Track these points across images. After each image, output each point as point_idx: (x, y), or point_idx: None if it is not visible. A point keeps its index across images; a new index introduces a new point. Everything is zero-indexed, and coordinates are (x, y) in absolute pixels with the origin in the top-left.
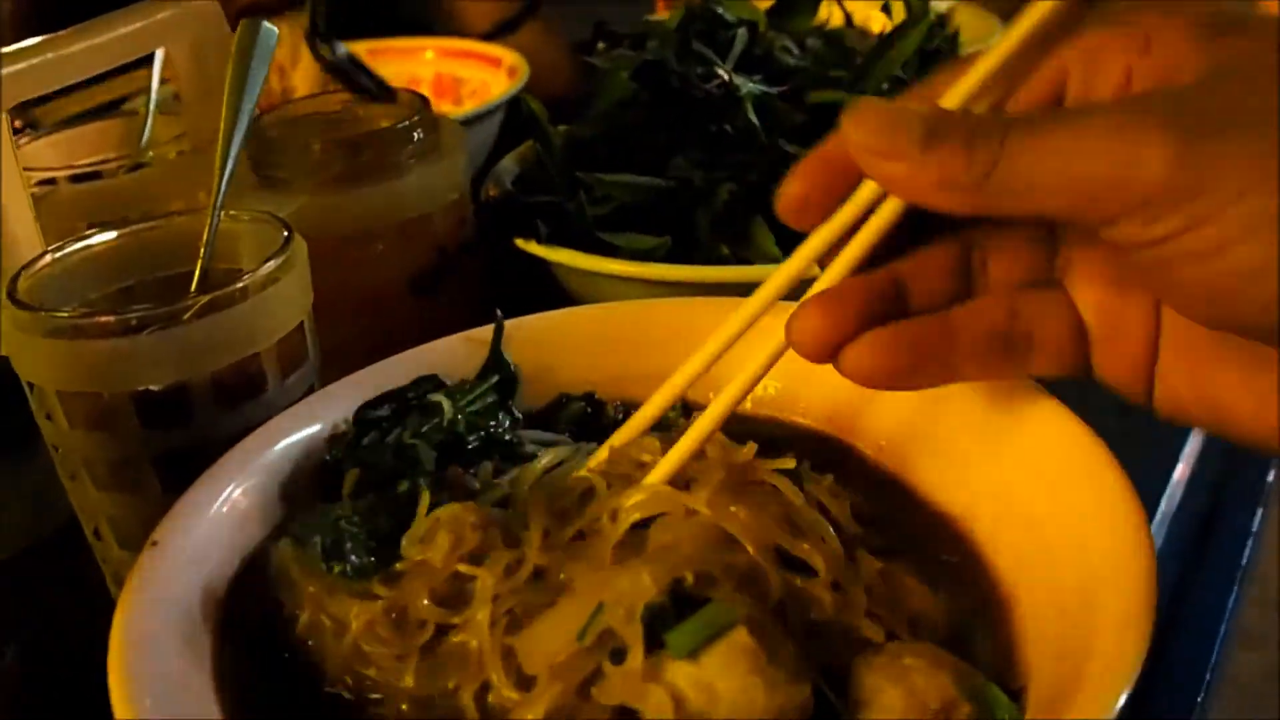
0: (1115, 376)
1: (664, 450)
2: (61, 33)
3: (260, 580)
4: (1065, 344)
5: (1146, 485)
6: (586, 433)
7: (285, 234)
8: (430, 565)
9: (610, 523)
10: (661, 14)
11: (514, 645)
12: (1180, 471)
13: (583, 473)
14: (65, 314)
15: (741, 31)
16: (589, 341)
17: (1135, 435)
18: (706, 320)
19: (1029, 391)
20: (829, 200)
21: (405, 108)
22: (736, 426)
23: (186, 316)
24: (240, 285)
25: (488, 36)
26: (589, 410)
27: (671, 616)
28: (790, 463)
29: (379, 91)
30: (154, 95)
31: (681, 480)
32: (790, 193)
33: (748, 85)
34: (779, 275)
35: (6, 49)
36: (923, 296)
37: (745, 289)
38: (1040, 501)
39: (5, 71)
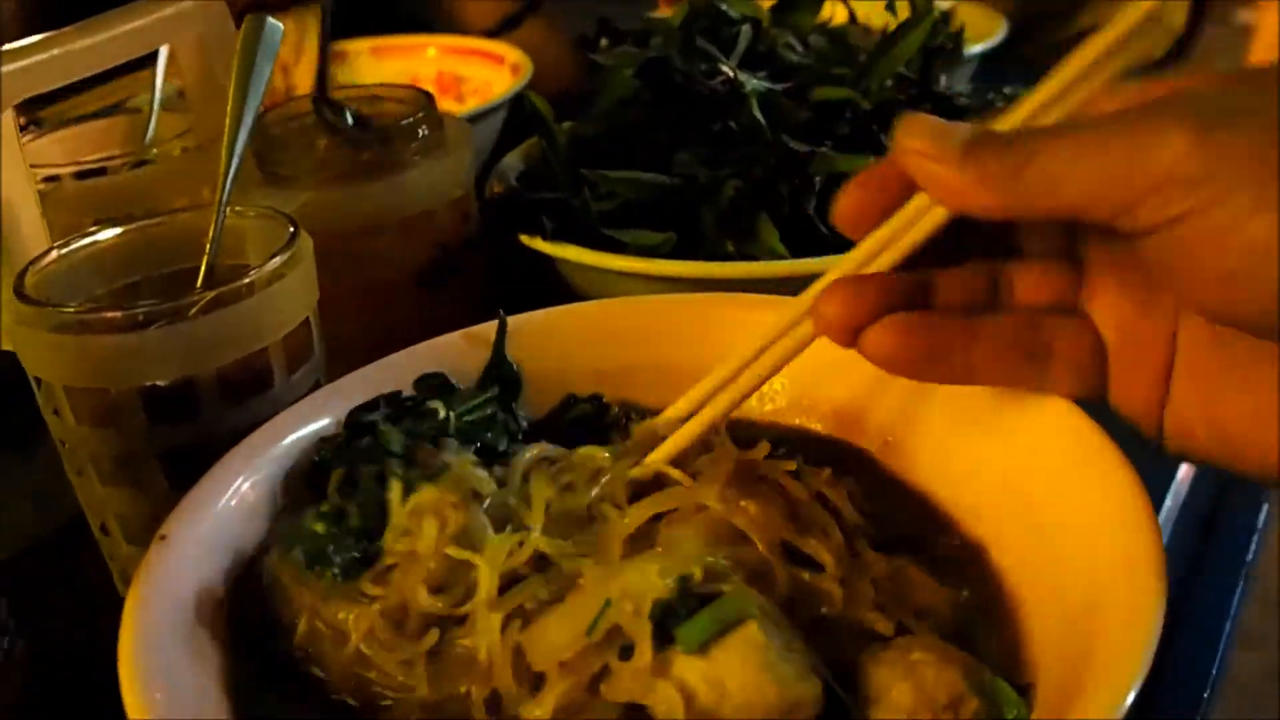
0: (1130, 399)
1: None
2: (66, 29)
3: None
4: (1084, 361)
5: (1150, 482)
6: (591, 434)
7: (291, 230)
8: (419, 555)
9: (617, 512)
10: (664, 11)
11: (522, 641)
12: (1184, 469)
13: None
14: (72, 309)
15: (745, 28)
16: (594, 337)
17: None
18: (711, 316)
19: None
20: (878, 213)
21: (410, 104)
22: (741, 432)
23: (193, 312)
24: (246, 281)
25: (490, 34)
26: (594, 411)
27: (680, 612)
28: (792, 465)
29: (380, 149)
30: (158, 92)
31: (690, 472)
32: (844, 204)
33: (752, 82)
34: (824, 280)
35: (10, 46)
36: (949, 300)
37: (750, 285)
38: (1047, 498)
39: (10, 68)
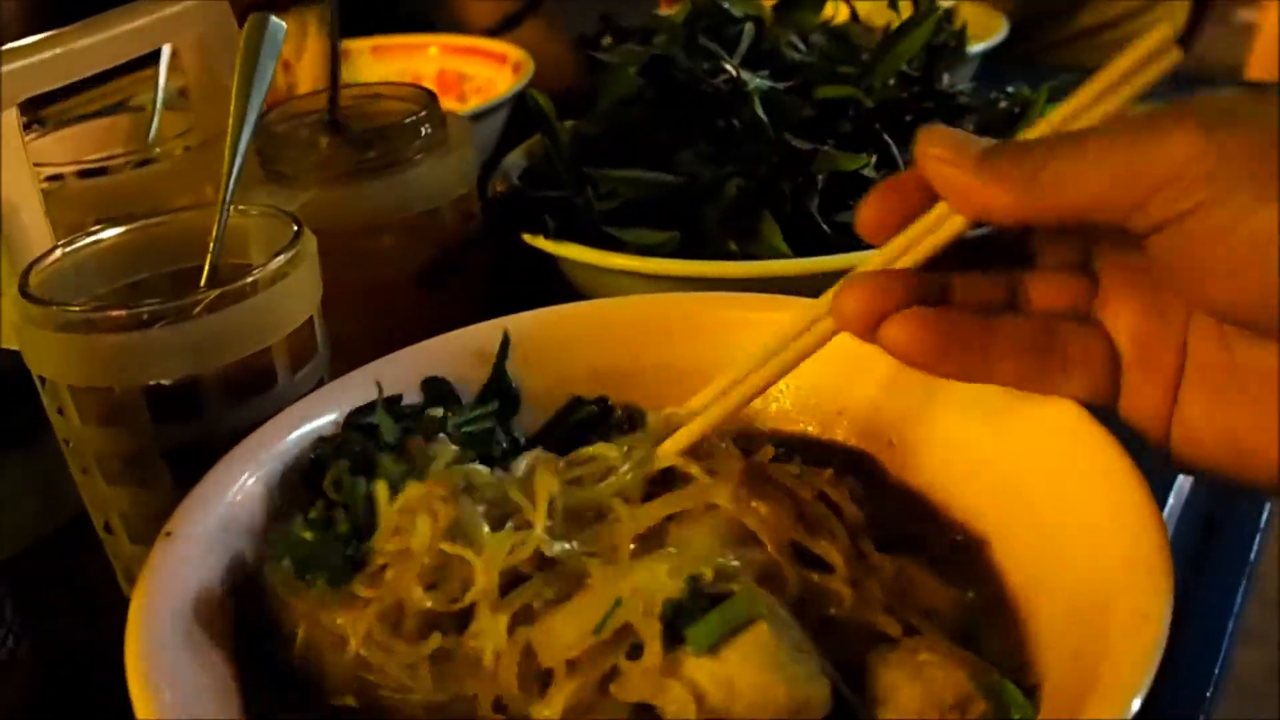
0: (1140, 407)
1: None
2: (68, 28)
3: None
4: (1098, 367)
5: (1153, 481)
6: (596, 437)
7: (295, 229)
8: (411, 552)
9: (627, 509)
10: (666, 9)
11: (530, 638)
12: None
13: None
14: (76, 308)
15: (748, 26)
16: (596, 336)
17: None
18: (714, 315)
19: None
20: (899, 220)
21: (413, 102)
22: (743, 443)
23: (197, 311)
24: (250, 280)
25: (491, 33)
26: (599, 414)
27: (691, 612)
28: (797, 468)
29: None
30: (160, 91)
31: (704, 468)
32: (865, 212)
33: (755, 81)
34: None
35: (11, 45)
36: (967, 300)
37: (753, 284)
38: (1052, 498)
39: (11, 67)
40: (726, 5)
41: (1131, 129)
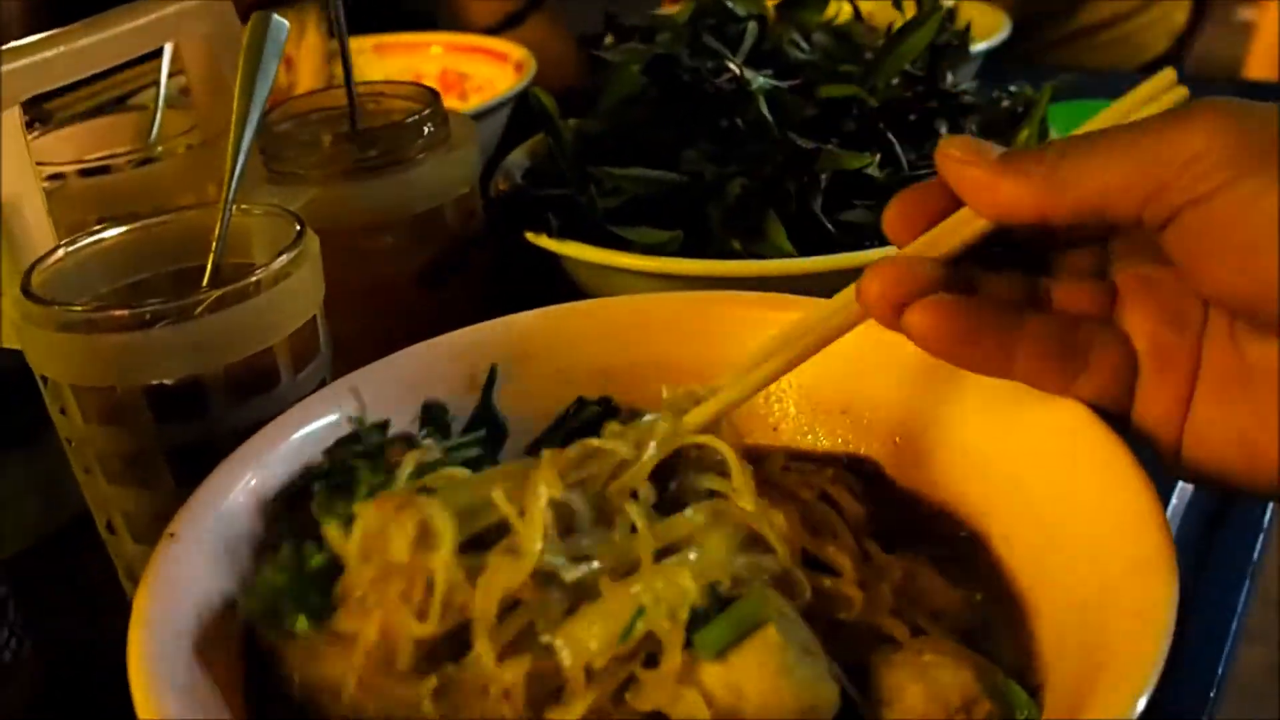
0: (1154, 413)
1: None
2: (71, 27)
3: None
4: (1115, 369)
5: (1157, 481)
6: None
7: (297, 228)
8: (388, 574)
9: (643, 519)
10: (669, 8)
11: (552, 642)
12: None
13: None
14: (79, 308)
15: (751, 25)
16: (599, 336)
17: None
18: (718, 314)
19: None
20: (922, 223)
21: (415, 100)
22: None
23: (199, 311)
24: (253, 279)
25: (493, 31)
26: (604, 414)
27: (702, 618)
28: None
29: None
30: (163, 89)
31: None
32: (888, 215)
33: (758, 79)
34: None
35: (14, 44)
36: (992, 294)
37: (757, 283)
38: (1057, 498)
39: (13, 66)
40: (730, 4)
41: (1152, 121)
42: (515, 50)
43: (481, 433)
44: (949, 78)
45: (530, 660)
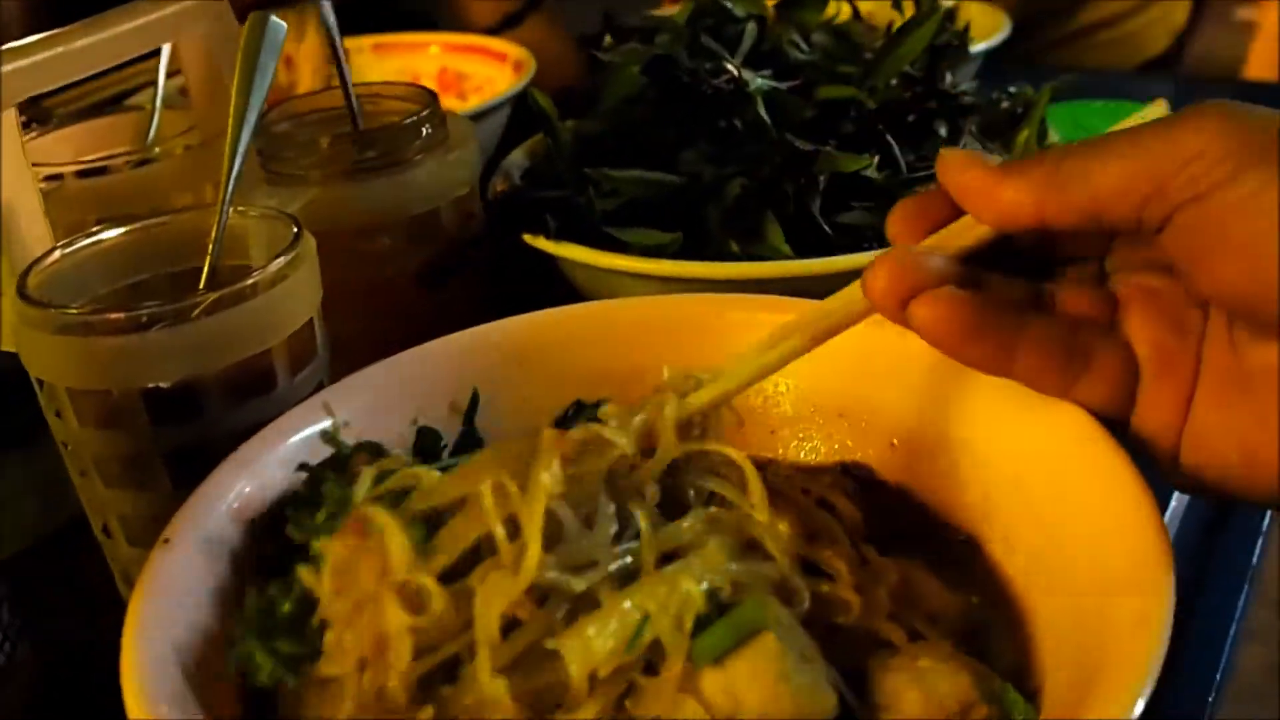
0: (1154, 419)
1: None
2: (69, 27)
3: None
4: (1117, 374)
5: (1156, 482)
6: None
7: (294, 230)
8: (359, 608)
9: (650, 529)
10: (668, 8)
11: (558, 646)
12: None
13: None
14: (75, 311)
15: (750, 26)
16: (597, 338)
17: None
18: (716, 317)
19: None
20: (925, 230)
21: (413, 101)
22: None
23: (196, 313)
24: (250, 282)
25: (492, 31)
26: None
27: (701, 624)
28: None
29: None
30: (160, 90)
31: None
32: (892, 220)
33: (757, 80)
34: None
35: (12, 44)
36: (997, 293)
37: (755, 285)
38: (1055, 502)
39: (12, 67)
40: (729, 4)
41: (1153, 124)
42: (514, 50)
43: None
44: (948, 78)
45: (530, 677)
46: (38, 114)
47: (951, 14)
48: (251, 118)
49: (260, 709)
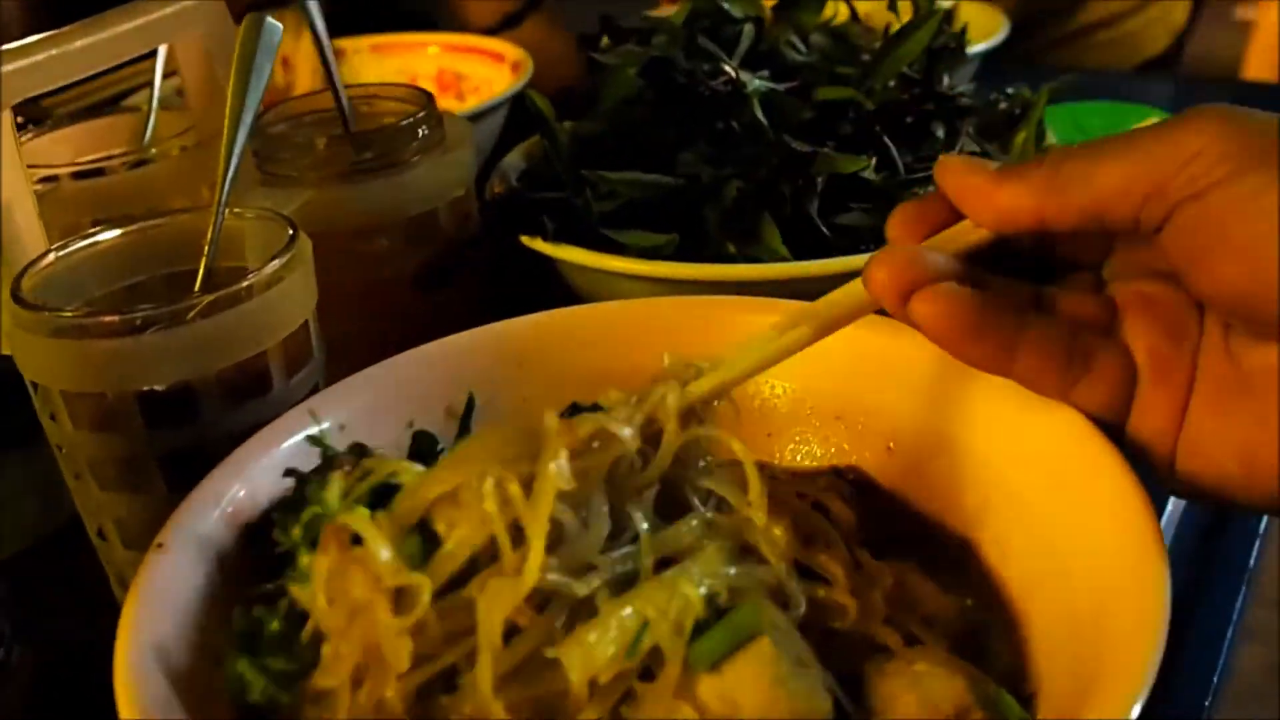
0: (1151, 424)
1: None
2: (65, 29)
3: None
4: (1117, 377)
5: (1154, 486)
6: None
7: (290, 232)
8: (354, 622)
9: (648, 533)
10: (666, 9)
11: (558, 654)
12: None
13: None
14: (69, 314)
15: (748, 27)
16: (595, 340)
17: None
18: (713, 319)
19: (1037, 395)
20: (925, 233)
21: (410, 103)
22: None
23: (191, 316)
24: (245, 284)
25: (490, 31)
26: None
27: (698, 630)
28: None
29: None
30: (157, 91)
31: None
32: (891, 222)
33: (754, 82)
34: None
35: (8, 46)
36: (1000, 293)
37: (752, 287)
38: (1051, 505)
39: (9, 68)
40: (726, 5)
41: (1152, 126)
42: (512, 51)
43: None
44: (946, 80)
45: (530, 685)
46: (35, 113)
47: (949, 15)
48: (247, 119)
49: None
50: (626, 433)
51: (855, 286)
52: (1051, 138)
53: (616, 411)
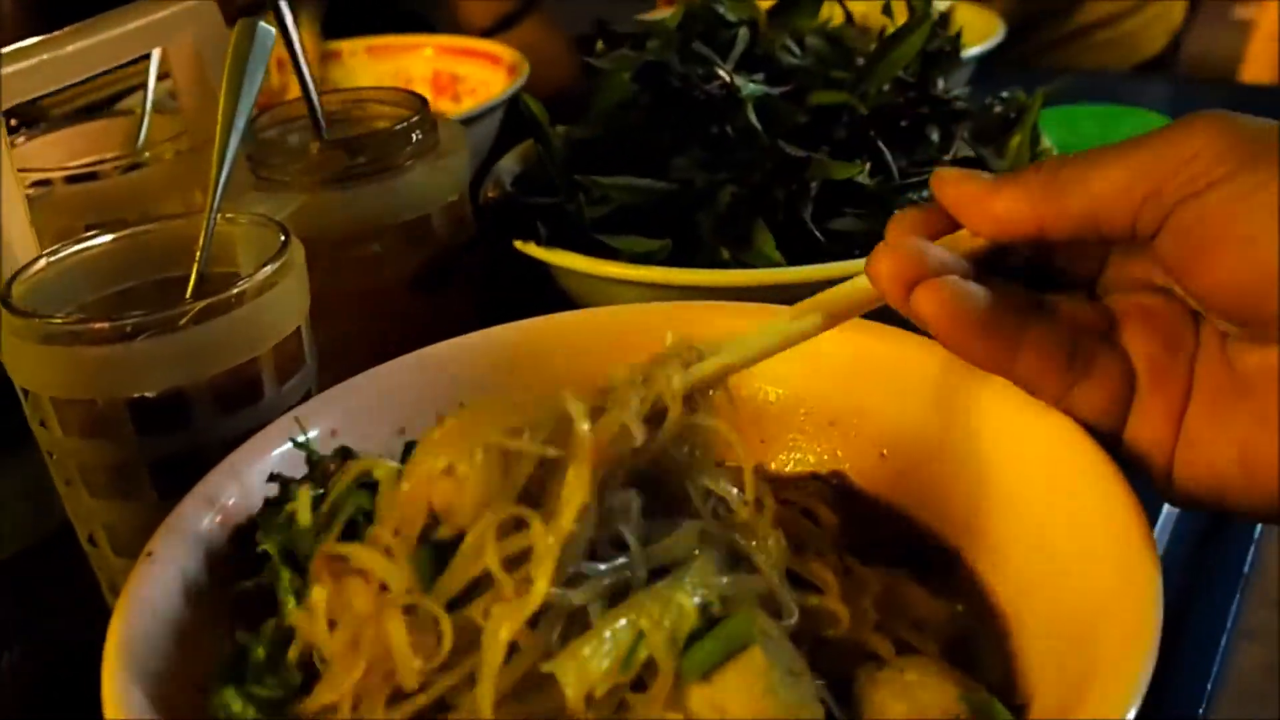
0: (1148, 432)
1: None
2: (59, 32)
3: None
4: (1116, 384)
5: (1151, 489)
6: None
7: (282, 238)
8: (358, 646)
9: (639, 544)
10: (661, 10)
11: (553, 671)
12: None
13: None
14: (60, 320)
15: (743, 31)
16: (589, 345)
17: None
18: (707, 324)
19: (1032, 402)
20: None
21: (404, 107)
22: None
23: (182, 322)
24: (236, 291)
25: (486, 33)
26: None
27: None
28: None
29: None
30: (150, 95)
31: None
32: (891, 229)
33: (749, 86)
34: None
35: (4, 49)
36: (1002, 294)
37: (746, 293)
38: (1042, 512)
39: (4, 71)
40: (720, 9)
41: (1150, 131)
42: (508, 53)
43: None
44: (941, 84)
45: (526, 702)
46: (30, 115)
47: (945, 19)
48: (240, 124)
49: None
50: (641, 432)
51: (858, 281)
52: (1047, 141)
53: (624, 394)
